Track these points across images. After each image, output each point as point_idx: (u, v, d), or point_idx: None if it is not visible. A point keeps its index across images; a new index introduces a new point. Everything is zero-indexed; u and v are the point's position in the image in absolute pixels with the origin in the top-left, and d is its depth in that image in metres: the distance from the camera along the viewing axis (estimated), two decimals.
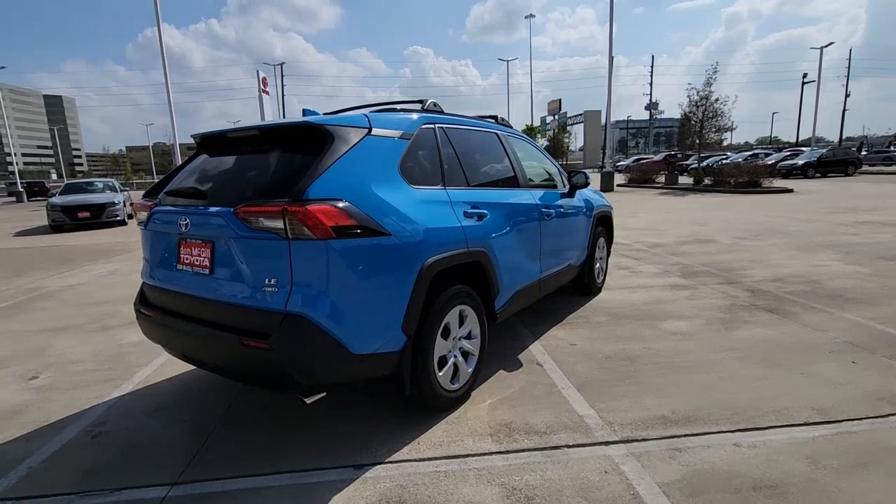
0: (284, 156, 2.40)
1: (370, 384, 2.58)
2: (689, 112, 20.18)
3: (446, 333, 2.66)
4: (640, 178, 24.98)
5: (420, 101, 3.11)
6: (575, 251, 4.38)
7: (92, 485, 2.19)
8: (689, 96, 20.09)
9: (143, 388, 3.23)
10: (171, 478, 2.22)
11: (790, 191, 17.22)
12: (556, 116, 60.85)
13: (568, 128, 53.57)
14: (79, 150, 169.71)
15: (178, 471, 2.27)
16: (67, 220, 13.26)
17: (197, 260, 2.36)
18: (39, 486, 2.20)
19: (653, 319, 4.18)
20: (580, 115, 58.25)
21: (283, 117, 55.34)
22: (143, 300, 2.78)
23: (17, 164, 38.60)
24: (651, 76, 64.69)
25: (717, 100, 19.46)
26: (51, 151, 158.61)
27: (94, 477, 2.25)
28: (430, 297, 2.51)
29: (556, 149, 44.45)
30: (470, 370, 2.88)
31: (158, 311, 2.60)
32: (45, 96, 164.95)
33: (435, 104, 3.13)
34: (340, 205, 2.10)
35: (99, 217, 13.47)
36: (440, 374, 2.61)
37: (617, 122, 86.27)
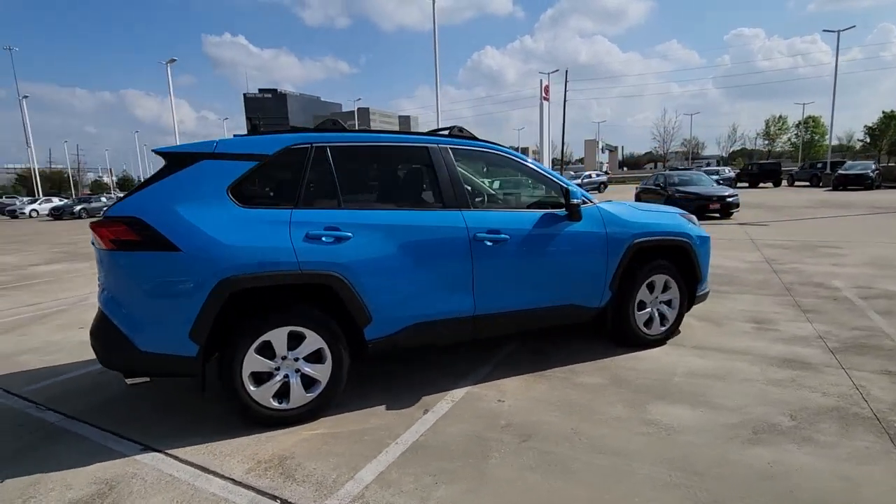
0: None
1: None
2: None
3: (267, 351, 2.70)
4: None
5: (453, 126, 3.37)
6: (577, 287, 3.48)
7: None
8: None
9: None
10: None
11: None
12: None
13: None
14: None
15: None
16: None
17: None
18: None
19: (665, 399, 2.97)
20: None
21: (564, 123, 56.92)
22: None
23: None
24: None
25: None
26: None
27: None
28: (243, 312, 2.63)
29: None
30: (310, 395, 2.81)
31: None
32: (400, 116, 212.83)
33: (461, 129, 3.33)
34: (127, 222, 2.48)
35: None
36: (254, 388, 2.68)
37: None
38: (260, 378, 2.71)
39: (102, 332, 2.58)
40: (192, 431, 2.75)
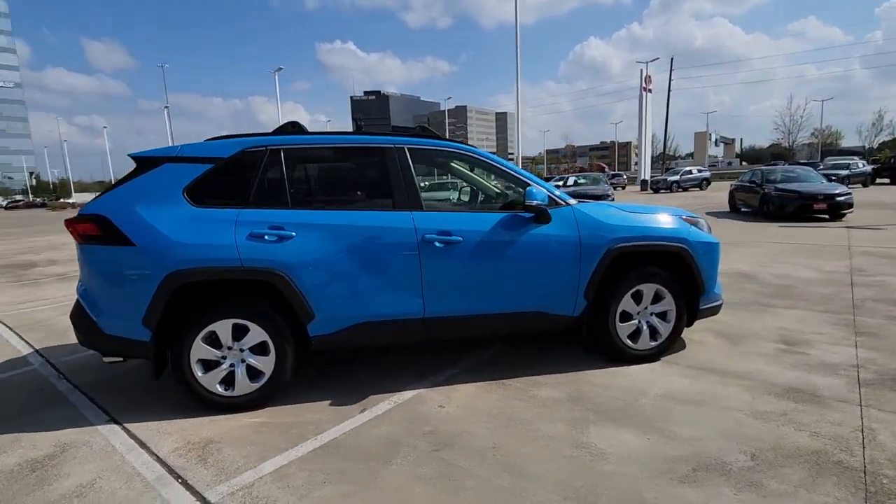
0: None
1: None
2: None
3: (214, 341, 2.90)
4: None
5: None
6: (544, 294, 3.27)
7: None
8: None
9: None
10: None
11: None
12: None
13: None
14: (513, 154, 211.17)
15: None
16: None
17: None
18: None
19: (617, 422, 2.71)
20: None
21: (667, 113, 52.97)
22: None
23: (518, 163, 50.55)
24: None
25: None
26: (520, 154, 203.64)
27: None
28: (188, 302, 2.86)
29: None
30: (255, 385, 2.97)
31: None
32: (497, 112, 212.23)
33: (424, 128, 3.40)
34: (93, 219, 2.81)
35: None
36: (201, 374, 2.90)
37: None
38: (208, 365, 2.92)
39: (76, 316, 2.95)
40: (154, 409, 3.03)
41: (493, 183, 3.98)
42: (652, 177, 34.11)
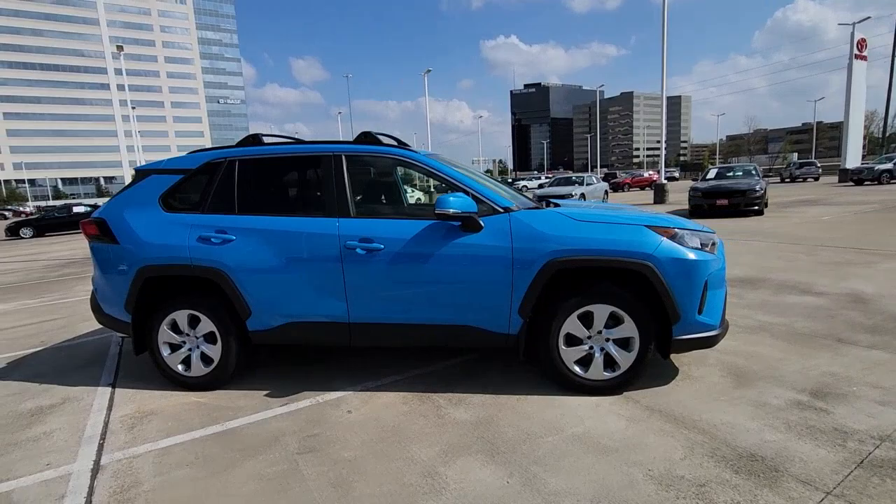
0: None
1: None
2: None
3: (176, 328, 3.38)
4: None
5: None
6: (473, 308, 3.04)
7: None
8: None
9: None
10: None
11: None
12: None
13: None
14: (685, 141, 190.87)
15: None
16: (706, 205, 13.18)
17: None
18: None
19: (486, 456, 2.45)
20: None
21: (890, 85, 42.24)
22: None
23: (642, 156, 46.92)
24: None
25: None
26: (664, 145, 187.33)
27: None
28: (155, 293, 3.39)
29: None
30: (207, 369, 3.38)
31: None
32: (669, 97, 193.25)
33: (367, 135, 3.42)
34: (95, 222, 3.48)
35: (738, 206, 12.76)
36: (167, 354, 3.40)
37: None
38: (174, 347, 3.42)
39: (92, 299, 3.69)
40: (149, 379, 3.64)
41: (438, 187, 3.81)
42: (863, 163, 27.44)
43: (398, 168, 3.95)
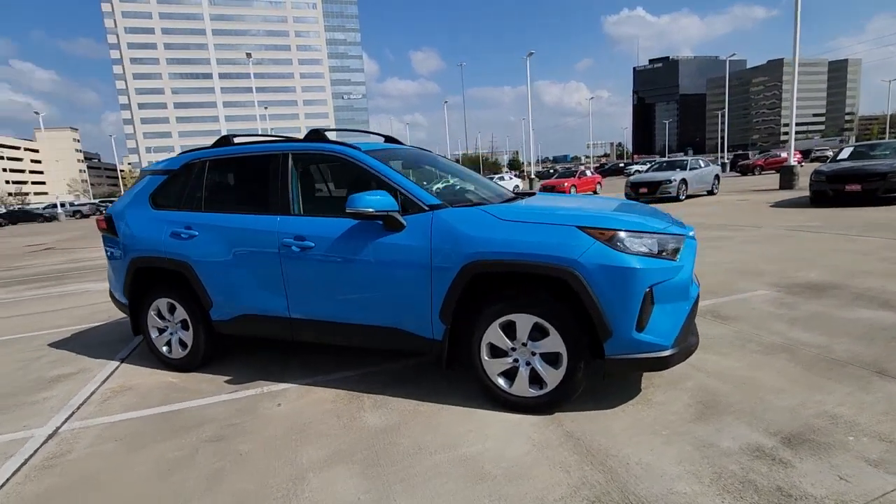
0: None
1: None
2: None
3: (159, 313, 3.75)
4: None
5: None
6: (398, 310, 2.92)
7: None
8: None
9: None
10: None
11: None
12: None
13: None
14: (851, 113, 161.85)
15: None
16: (830, 191, 11.04)
17: None
18: None
19: (368, 465, 2.36)
20: None
21: None
22: None
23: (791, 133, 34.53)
24: None
25: None
26: (822, 118, 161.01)
27: None
28: (147, 283, 3.79)
29: None
30: (183, 353, 3.71)
31: None
32: (831, 62, 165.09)
33: (317, 132, 3.49)
34: (106, 217, 3.97)
35: (874, 192, 10.46)
36: (154, 336, 3.80)
37: None
38: (160, 331, 3.81)
39: (109, 283, 4.24)
40: (151, 358, 4.10)
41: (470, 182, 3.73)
42: None
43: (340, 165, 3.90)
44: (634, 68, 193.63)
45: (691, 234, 3.11)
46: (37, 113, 48.91)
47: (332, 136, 3.53)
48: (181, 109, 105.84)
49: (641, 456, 2.25)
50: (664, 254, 2.57)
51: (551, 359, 2.65)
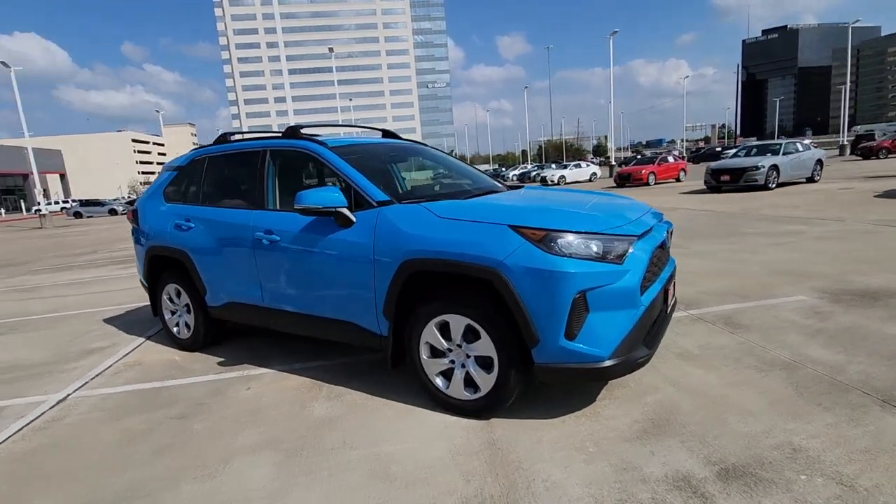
0: None
1: None
2: None
3: (170, 297, 4.13)
4: None
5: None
6: (350, 305, 2.97)
7: None
8: None
9: None
10: None
11: None
12: None
13: None
14: None
15: None
16: None
17: None
18: None
19: (291, 458, 2.46)
20: None
21: None
22: None
23: None
24: None
25: None
26: None
27: None
28: (159, 269, 4.18)
29: None
30: (188, 334, 4.05)
31: None
32: None
33: (293, 129, 3.57)
34: (133, 209, 4.42)
35: None
36: (168, 317, 4.19)
37: None
38: (172, 313, 4.19)
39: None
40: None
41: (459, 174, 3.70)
42: None
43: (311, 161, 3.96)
44: (744, 41, 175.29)
45: (666, 233, 2.82)
46: (158, 111, 55.21)
47: (339, 132, 3.64)
48: (280, 104, 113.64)
49: (552, 473, 2.11)
50: (608, 257, 2.35)
51: (484, 363, 2.55)
